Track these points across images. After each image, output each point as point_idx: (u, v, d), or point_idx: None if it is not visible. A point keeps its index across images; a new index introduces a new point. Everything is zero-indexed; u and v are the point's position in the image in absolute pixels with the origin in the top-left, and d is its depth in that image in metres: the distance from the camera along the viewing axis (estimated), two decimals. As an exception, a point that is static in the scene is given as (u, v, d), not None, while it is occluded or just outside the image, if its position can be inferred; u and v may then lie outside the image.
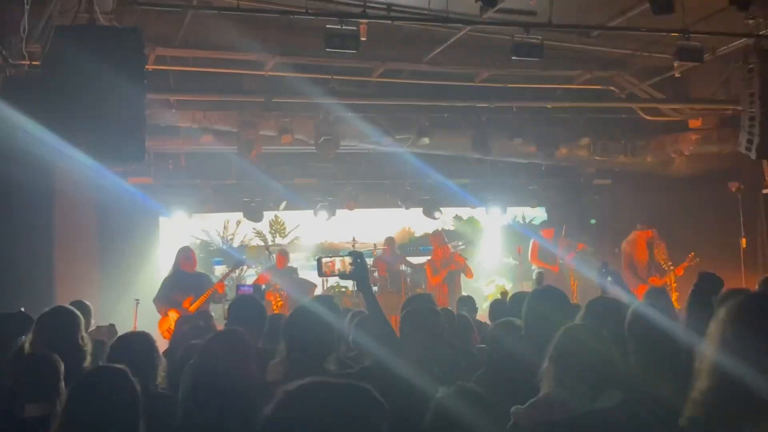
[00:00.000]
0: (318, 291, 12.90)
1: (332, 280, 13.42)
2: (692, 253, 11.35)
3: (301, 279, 12.38)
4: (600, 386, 3.13)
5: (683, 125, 12.48)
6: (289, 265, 12.30)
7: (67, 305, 4.96)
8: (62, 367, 3.69)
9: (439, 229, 14.61)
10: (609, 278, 6.60)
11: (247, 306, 5.07)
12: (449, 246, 13.22)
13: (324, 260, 3.82)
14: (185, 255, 10.02)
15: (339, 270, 3.77)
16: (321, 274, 3.90)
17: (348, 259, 3.72)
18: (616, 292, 6.26)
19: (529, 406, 3.21)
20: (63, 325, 4.36)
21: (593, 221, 14.63)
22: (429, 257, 13.13)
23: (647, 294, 5.92)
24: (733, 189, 12.28)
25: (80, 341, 4.31)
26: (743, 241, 11.95)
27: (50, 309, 4.65)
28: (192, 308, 9.07)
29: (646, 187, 13.73)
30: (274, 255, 12.58)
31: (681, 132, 12.48)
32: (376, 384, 2.04)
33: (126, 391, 2.92)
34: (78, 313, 4.52)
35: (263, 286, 9.91)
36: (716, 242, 11.75)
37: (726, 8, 8.03)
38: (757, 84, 8.62)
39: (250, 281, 12.59)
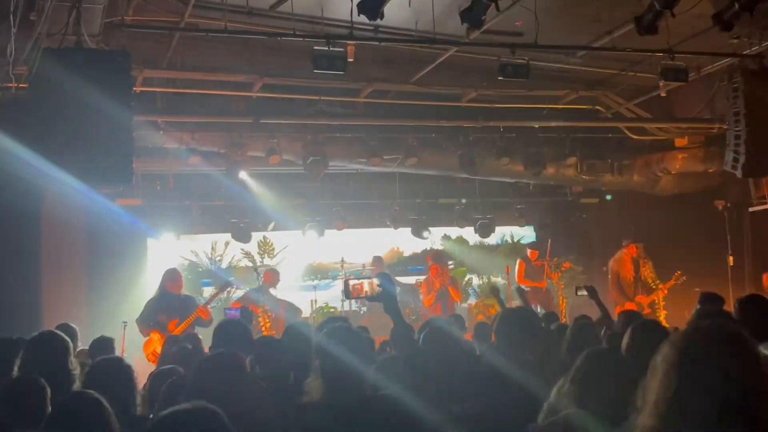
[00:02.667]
0: (306, 313, 12.85)
1: (320, 301, 13.41)
2: (678, 272, 11.37)
3: (284, 300, 12.30)
4: (623, 410, 3.07)
5: (669, 144, 12.51)
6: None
7: (54, 329, 4.91)
8: (48, 391, 3.65)
9: (429, 248, 14.62)
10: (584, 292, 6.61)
11: (232, 329, 5.02)
12: (444, 265, 13.15)
13: (351, 282, 3.76)
14: (171, 276, 9.92)
15: (366, 292, 3.72)
16: (348, 296, 3.85)
17: (376, 281, 3.67)
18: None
19: (549, 424, 3.13)
20: (53, 349, 4.31)
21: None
22: (424, 276, 13.14)
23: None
24: (720, 207, 12.33)
25: (70, 365, 4.27)
26: (730, 258, 11.98)
27: (39, 333, 4.60)
28: (177, 331, 8.98)
29: (633, 205, 13.79)
30: (261, 273, 12.50)
31: (667, 151, 12.51)
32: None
33: (101, 418, 2.88)
34: (67, 337, 4.49)
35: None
36: (703, 260, 11.78)
37: (710, 28, 8.10)
38: (742, 103, 8.68)
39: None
